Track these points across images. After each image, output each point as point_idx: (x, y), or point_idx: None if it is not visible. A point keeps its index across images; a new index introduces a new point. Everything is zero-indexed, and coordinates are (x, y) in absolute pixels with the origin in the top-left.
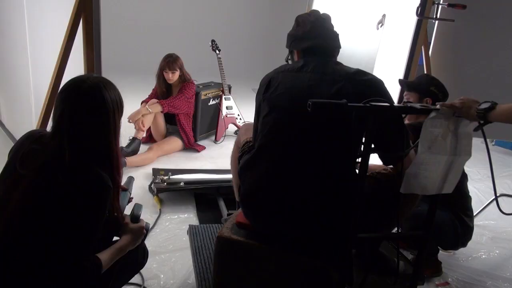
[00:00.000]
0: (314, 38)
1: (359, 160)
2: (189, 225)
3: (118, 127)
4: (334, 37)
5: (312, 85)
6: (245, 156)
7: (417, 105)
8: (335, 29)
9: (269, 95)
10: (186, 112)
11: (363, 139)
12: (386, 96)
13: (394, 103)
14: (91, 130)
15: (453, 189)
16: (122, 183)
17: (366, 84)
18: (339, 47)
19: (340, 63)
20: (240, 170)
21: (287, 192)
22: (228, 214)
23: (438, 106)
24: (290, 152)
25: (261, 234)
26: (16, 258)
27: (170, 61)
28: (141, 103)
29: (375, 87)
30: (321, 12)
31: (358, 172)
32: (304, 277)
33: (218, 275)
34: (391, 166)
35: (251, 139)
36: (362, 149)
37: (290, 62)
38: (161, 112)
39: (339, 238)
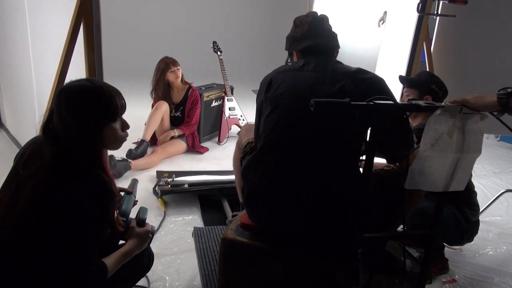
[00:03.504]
0: (312, 38)
1: (363, 157)
2: (194, 227)
3: (104, 133)
4: (333, 36)
5: (313, 83)
6: (248, 157)
7: (422, 103)
8: (333, 29)
9: (271, 95)
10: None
11: (367, 137)
12: (388, 94)
13: (396, 100)
14: (75, 132)
15: (464, 187)
16: (126, 186)
17: (368, 83)
18: (338, 46)
19: (340, 62)
20: (243, 171)
21: (292, 191)
22: (233, 216)
23: (443, 103)
24: (293, 151)
25: (265, 235)
26: (22, 263)
27: (172, 60)
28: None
29: (377, 85)
30: (320, 13)
31: (363, 170)
32: (309, 278)
33: (224, 277)
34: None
35: (253, 140)
36: (365, 147)
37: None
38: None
39: (344, 237)
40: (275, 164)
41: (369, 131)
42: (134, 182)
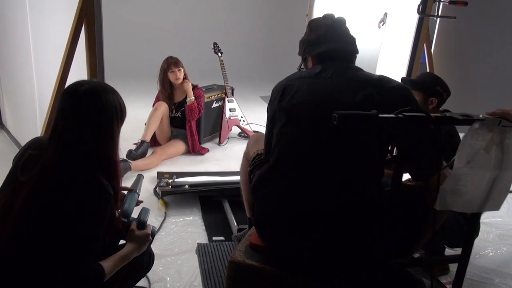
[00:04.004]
0: (330, 42)
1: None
2: (198, 243)
3: (117, 133)
4: (352, 41)
5: (333, 92)
6: (259, 172)
7: (458, 115)
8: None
9: (285, 104)
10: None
11: (392, 151)
12: (414, 104)
13: (424, 111)
14: (88, 135)
15: (499, 208)
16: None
17: (392, 92)
18: (356, 51)
19: (361, 69)
20: (254, 187)
21: (308, 211)
22: (239, 229)
23: (481, 116)
24: (311, 166)
25: (278, 258)
26: (18, 267)
27: (174, 61)
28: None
29: (402, 95)
30: (336, 16)
31: (391, 189)
32: None
33: None
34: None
35: (262, 152)
36: (388, 160)
37: (303, 70)
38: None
39: (366, 260)
40: (290, 181)
41: (396, 146)
42: (139, 178)
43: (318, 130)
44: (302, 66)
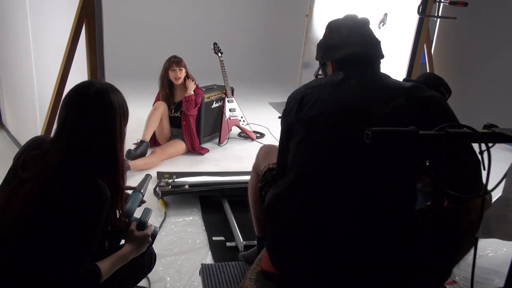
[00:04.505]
0: (353, 46)
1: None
2: (202, 264)
3: (124, 133)
4: (376, 44)
5: (359, 103)
6: (274, 191)
7: (509, 131)
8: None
9: (304, 116)
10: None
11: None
12: (453, 117)
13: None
14: (97, 134)
15: None
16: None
17: (427, 102)
18: (381, 56)
19: (388, 76)
20: (268, 208)
21: (331, 237)
22: (245, 247)
23: None
24: (336, 187)
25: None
26: (15, 266)
27: (176, 60)
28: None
29: (438, 106)
30: (352, 16)
31: (430, 214)
32: None
33: None
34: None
35: (274, 166)
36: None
37: (321, 77)
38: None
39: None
40: (311, 203)
41: (436, 165)
42: (147, 177)
43: (343, 147)
44: (320, 72)
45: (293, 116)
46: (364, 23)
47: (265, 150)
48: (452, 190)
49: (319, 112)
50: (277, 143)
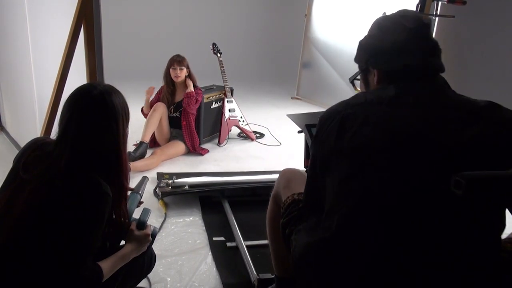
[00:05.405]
0: (412, 54)
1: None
2: None
3: (126, 133)
4: (438, 52)
5: (422, 128)
6: (309, 239)
7: None
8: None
9: (348, 144)
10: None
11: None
12: None
13: None
14: (101, 135)
15: None
16: (135, 184)
17: (509, 125)
18: (442, 69)
19: (452, 89)
20: (300, 261)
21: None
22: (259, 280)
23: None
24: (400, 239)
25: None
26: (17, 266)
27: (178, 59)
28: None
29: None
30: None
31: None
32: None
33: None
34: None
35: (300, 197)
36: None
37: (358, 88)
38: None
39: None
40: (369, 258)
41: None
42: (144, 179)
43: (409, 187)
44: (358, 77)
45: (332, 144)
46: (427, 26)
47: (287, 177)
48: None
49: (369, 140)
50: (278, 144)
